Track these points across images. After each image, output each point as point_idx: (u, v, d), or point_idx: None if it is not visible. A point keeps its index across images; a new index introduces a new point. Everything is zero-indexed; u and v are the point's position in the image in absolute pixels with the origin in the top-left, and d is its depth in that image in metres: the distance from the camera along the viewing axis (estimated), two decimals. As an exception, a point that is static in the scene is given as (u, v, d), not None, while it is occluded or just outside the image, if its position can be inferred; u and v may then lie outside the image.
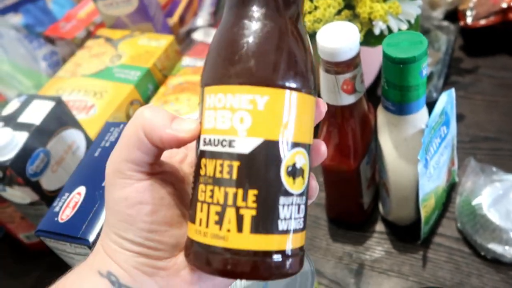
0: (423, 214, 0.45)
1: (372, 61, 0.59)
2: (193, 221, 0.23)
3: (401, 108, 0.41)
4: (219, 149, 0.21)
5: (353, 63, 0.40)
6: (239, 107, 0.21)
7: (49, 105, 0.48)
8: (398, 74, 0.38)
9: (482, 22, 0.64)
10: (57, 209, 0.38)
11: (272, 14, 0.22)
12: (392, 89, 0.40)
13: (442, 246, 0.49)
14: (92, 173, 0.40)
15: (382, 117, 0.44)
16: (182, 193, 0.26)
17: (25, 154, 0.45)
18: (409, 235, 0.50)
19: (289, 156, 0.22)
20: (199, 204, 0.22)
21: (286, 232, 0.22)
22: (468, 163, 0.51)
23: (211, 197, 0.22)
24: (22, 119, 0.47)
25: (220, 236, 0.21)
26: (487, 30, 0.66)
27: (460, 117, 0.59)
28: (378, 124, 0.45)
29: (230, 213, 0.21)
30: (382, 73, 0.40)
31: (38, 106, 0.48)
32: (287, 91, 0.21)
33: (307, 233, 0.53)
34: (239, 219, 0.21)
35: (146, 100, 0.64)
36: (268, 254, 0.21)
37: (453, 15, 0.69)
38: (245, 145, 0.21)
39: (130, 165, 0.23)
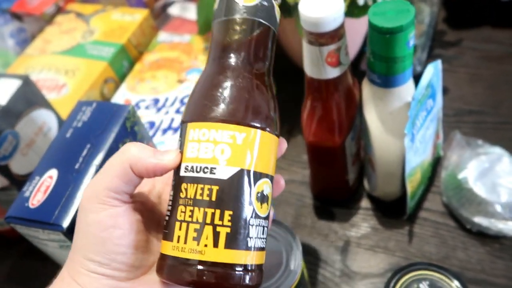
0: (409, 189, 0.45)
1: (356, 34, 0.57)
2: (170, 239, 0.25)
3: (387, 80, 0.39)
4: (200, 175, 0.25)
5: (337, 34, 0.38)
6: (221, 141, 0.25)
7: (15, 84, 0.45)
8: (384, 45, 0.37)
9: (466, -7, 0.63)
10: (27, 194, 0.36)
11: (249, 69, 0.26)
12: (378, 61, 0.38)
13: (428, 220, 0.48)
14: (64, 155, 0.37)
15: (367, 90, 0.42)
16: (148, 221, 0.28)
17: (-9, 136, 0.42)
18: (395, 211, 0.49)
19: (259, 184, 0.26)
20: (177, 223, 0.25)
21: (253, 248, 0.26)
22: (453, 137, 0.51)
23: (191, 216, 0.25)
24: (-14, 99, 0.44)
25: (198, 250, 0.24)
26: (471, 2, 0.64)
27: (444, 91, 0.58)
28: (364, 98, 0.43)
29: (208, 230, 0.24)
30: (368, 44, 0.39)
31: (3, 86, 0.45)
32: (259, 130, 0.26)
33: (292, 212, 0.52)
34: (216, 235, 0.24)
35: (121, 77, 0.61)
36: (238, 266, 0.25)
37: (437, -14, 0.67)
38: (224, 172, 0.25)
39: (109, 192, 0.25)
